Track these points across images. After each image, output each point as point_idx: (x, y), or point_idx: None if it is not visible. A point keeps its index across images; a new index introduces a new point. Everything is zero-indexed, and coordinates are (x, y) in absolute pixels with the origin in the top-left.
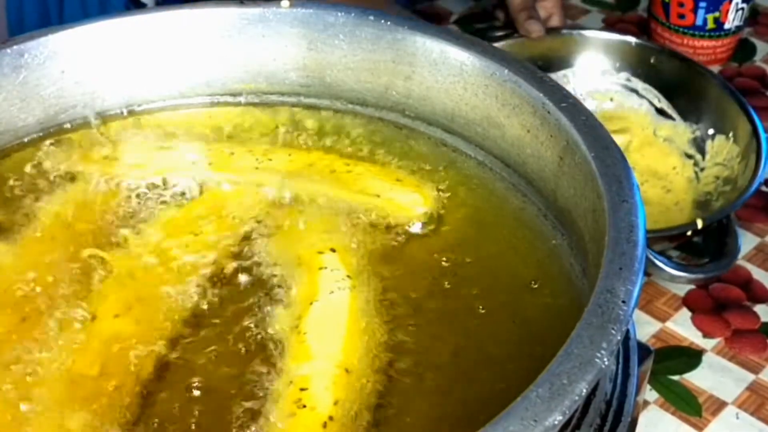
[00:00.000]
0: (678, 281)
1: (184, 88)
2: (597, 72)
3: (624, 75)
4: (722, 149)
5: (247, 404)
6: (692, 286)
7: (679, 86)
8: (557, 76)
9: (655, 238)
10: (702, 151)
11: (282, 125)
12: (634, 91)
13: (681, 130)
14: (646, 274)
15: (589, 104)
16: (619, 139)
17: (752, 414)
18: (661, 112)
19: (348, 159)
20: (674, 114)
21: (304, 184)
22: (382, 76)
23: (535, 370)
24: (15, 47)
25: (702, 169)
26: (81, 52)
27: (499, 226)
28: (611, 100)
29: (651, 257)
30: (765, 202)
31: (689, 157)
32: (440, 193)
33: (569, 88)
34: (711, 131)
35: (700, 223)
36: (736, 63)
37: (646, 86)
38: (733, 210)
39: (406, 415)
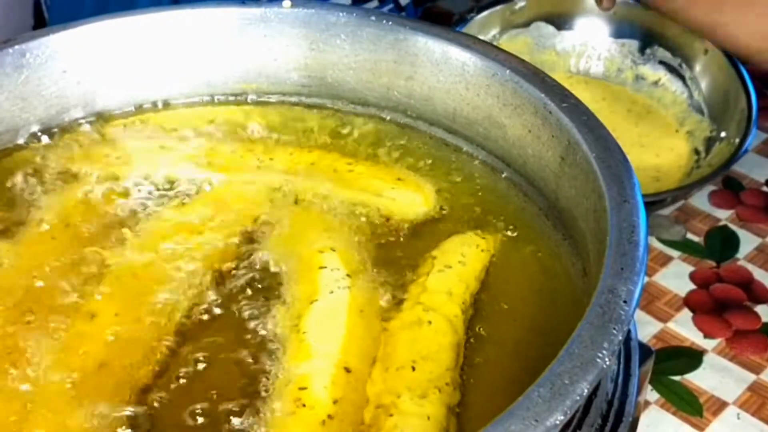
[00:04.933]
0: None
1: (185, 88)
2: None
3: (679, 60)
4: (723, 152)
5: (247, 403)
6: (693, 286)
7: (717, 86)
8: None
9: None
10: (708, 150)
11: (283, 125)
12: (682, 77)
13: (704, 126)
14: None
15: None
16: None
17: (753, 414)
18: (694, 104)
19: (349, 158)
20: (705, 109)
21: (305, 183)
22: (383, 76)
23: (536, 370)
24: (17, 47)
25: (698, 167)
26: (82, 51)
27: (500, 225)
28: (659, 80)
29: None
30: (765, 202)
31: (697, 153)
32: (441, 192)
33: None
34: (723, 134)
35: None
36: None
37: (694, 76)
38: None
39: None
